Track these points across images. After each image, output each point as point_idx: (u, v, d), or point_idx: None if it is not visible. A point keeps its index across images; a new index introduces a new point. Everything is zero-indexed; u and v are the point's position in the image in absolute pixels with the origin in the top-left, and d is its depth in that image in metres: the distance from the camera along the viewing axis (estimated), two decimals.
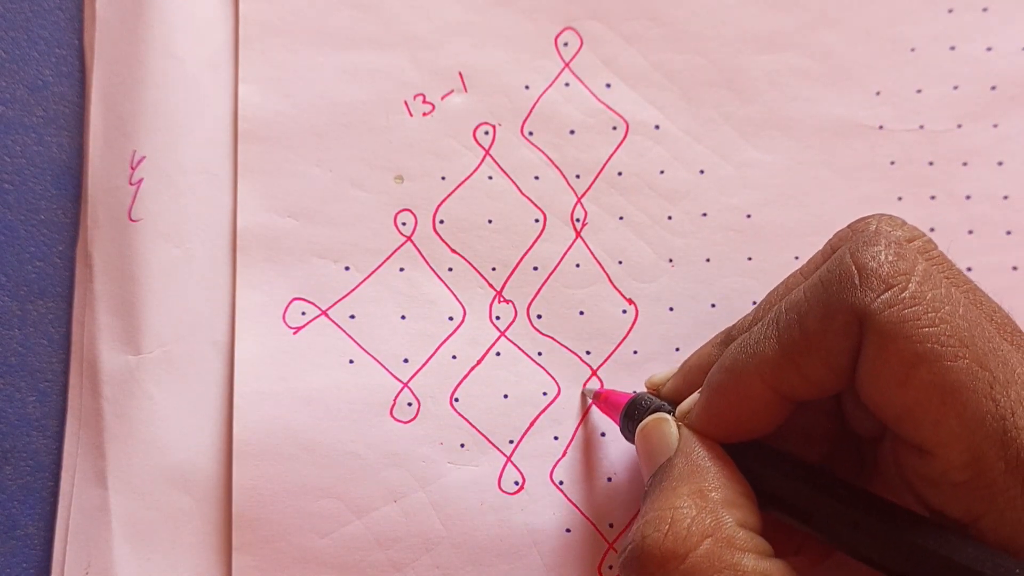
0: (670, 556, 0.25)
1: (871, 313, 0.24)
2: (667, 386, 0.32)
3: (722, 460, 0.28)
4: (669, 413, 0.30)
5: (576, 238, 0.36)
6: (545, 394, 0.35)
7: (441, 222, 0.36)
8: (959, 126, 0.36)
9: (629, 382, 0.35)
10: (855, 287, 0.24)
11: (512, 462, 0.35)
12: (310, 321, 0.36)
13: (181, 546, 0.35)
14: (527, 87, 0.37)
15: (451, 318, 0.36)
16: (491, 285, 0.36)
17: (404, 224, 0.36)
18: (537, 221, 0.36)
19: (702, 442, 0.28)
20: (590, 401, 0.35)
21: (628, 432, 0.32)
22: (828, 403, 0.30)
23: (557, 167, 0.36)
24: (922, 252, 0.26)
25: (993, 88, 0.36)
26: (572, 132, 0.37)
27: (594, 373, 0.35)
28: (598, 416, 0.35)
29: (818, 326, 0.25)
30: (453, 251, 0.36)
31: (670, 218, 0.36)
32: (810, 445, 0.30)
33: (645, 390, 0.33)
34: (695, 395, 0.29)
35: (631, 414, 0.31)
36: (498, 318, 0.36)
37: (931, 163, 0.36)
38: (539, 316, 0.36)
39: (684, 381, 0.31)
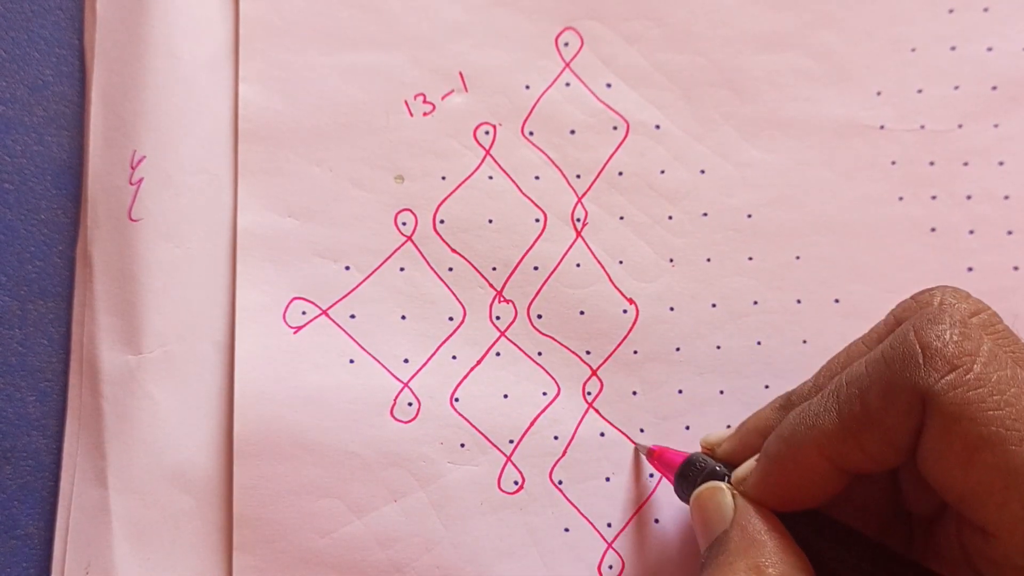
0: None
1: (935, 394, 0.24)
2: (722, 448, 0.32)
3: (778, 532, 0.27)
4: (725, 477, 0.30)
5: (576, 238, 0.36)
6: (545, 394, 0.35)
7: (441, 222, 0.36)
8: (960, 126, 0.36)
9: (629, 382, 0.35)
10: (919, 366, 0.24)
11: (512, 462, 0.35)
12: (310, 321, 0.36)
13: (181, 546, 0.35)
14: (527, 87, 0.37)
15: (451, 318, 0.36)
16: (491, 285, 0.36)
17: (404, 224, 0.36)
18: (537, 221, 0.36)
19: (758, 513, 0.28)
20: (643, 456, 0.35)
21: (682, 493, 0.32)
22: (884, 478, 0.29)
23: (557, 167, 0.36)
24: (986, 327, 0.26)
25: (994, 88, 0.36)
26: (572, 132, 0.37)
27: (594, 373, 0.35)
28: (596, 418, 0.35)
29: (880, 403, 0.25)
30: (453, 251, 0.36)
31: (670, 218, 0.36)
32: (865, 520, 0.30)
33: (699, 449, 0.33)
34: (751, 461, 0.29)
35: (686, 475, 0.31)
36: (498, 318, 0.36)
37: (932, 163, 0.36)
38: (539, 316, 0.36)
39: (741, 443, 0.31)
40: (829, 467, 0.26)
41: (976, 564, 0.26)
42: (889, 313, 0.28)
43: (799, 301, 0.36)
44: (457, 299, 0.36)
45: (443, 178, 0.36)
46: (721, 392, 0.35)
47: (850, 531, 0.28)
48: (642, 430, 0.35)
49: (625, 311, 0.36)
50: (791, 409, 0.29)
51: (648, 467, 0.35)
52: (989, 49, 0.36)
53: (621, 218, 0.36)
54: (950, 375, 0.24)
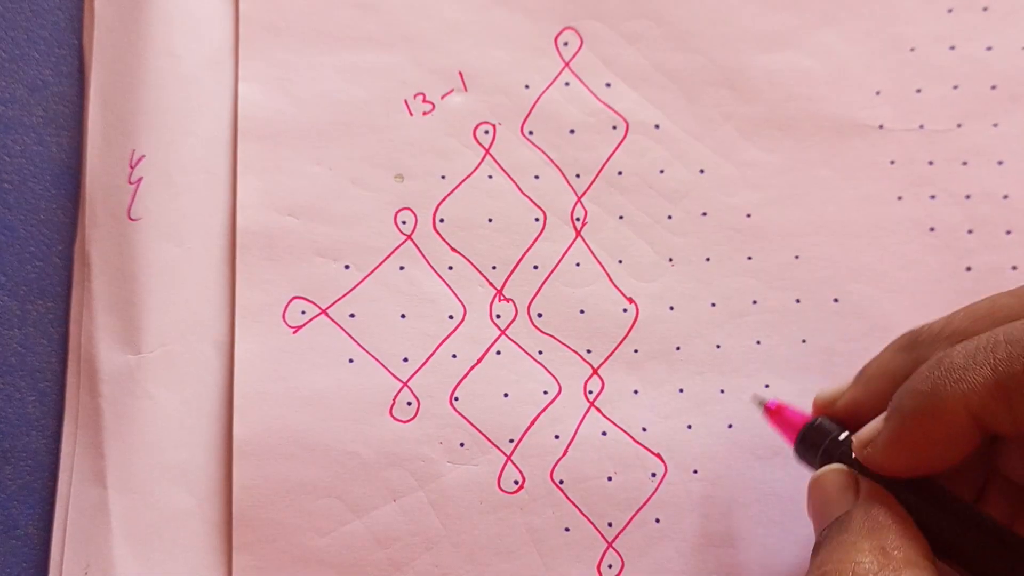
0: None
1: None
2: (844, 400, 0.30)
3: (903, 519, 0.26)
4: (847, 440, 0.29)
5: (576, 237, 0.36)
6: (546, 393, 0.35)
7: (441, 221, 0.36)
8: (959, 125, 0.36)
9: (630, 381, 0.35)
10: None
11: (512, 461, 0.35)
12: (310, 320, 0.36)
13: (181, 546, 0.35)
14: (527, 86, 0.37)
15: (451, 317, 0.36)
16: (491, 284, 0.36)
17: (404, 223, 0.36)
18: (537, 220, 0.36)
19: (883, 499, 0.27)
20: (761, 412, 0.33)
21: (804, 455, 0.30)
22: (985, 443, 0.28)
23: (557, 166, 0.36)
24: None
25: (993, 87, 0.36)
26: (572, 131, 0.37)
27: (595, 372, 0.35)
28: (598, 417, 0.35)
29: None
30: (453, 249, 0.36)
31: (670, 217, 0.36)
32: (959, 483, 0.29)
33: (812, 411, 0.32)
34: (875, 424, 0.28)
35: (809, 439, 0.30)
36: (498, 317, 0.36)
37: (931, 162, 0.36)
38: (539, 315, 0.36)
39: (865, 392, 0.29)
40: (971, 426, 0.25)
41: None
42: None
43: (798, 300, 0.36)
44: (457, 297, 0.36)
45: (443, 177, 0.36)
46: (722, 391, 0.35)
47: (965, 506, 0.27)
48: (644, 429, 0.35)
49: (625, 310, 0.36)
50: (918, 350, 0.28)
51: (650, 466, 0.35)
52: (988, 48, 0.36)
53: (621, 217, 0.36)
54: None
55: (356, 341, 0.35)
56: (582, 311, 0.36)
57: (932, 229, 0.35)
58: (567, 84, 0.37)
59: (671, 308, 0.36)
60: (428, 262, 0.36)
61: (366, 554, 0.34)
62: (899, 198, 0.36)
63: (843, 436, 0.29)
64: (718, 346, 0.35)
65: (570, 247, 0.36)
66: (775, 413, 0.32)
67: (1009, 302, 0.27)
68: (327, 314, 0.36)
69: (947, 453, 0.26)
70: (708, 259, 0.36)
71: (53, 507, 0.36)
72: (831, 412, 0.30)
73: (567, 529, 0.35)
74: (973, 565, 0.26)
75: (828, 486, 0.28)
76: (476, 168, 0.36)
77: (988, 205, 0.35)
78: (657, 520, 0.35)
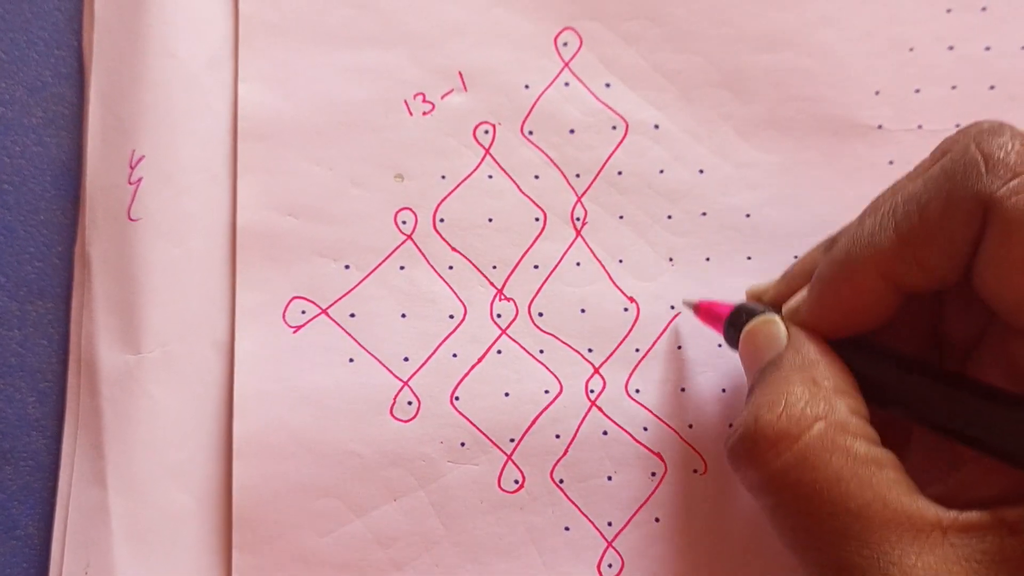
0: (783, 436, 0.26)
1: (997, 200, 0.24)
2: (769, 293, 0.32)
3: (831, 355, 0.28)
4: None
5: (576, 237, 0.36)
6: (547, 392, 0.35)
7: (441, 220, 0.36)
8: (957, 126, 0.36)
9: (632, 380, 0.35)
10: (981, 175, 0.24)
11: (512, 461, 0.35)
12: (310, 320, 0.36)
13: (181, 546, 0.35)
14: (527, 86, 0.37)
15: (452, 316, 0.36)
16: (492, 283, 0.36)
17: (404, 222, 0.36)
18: (537, 220, 0.36)
19: (810, 338, 0.28)
20: (690, 312, 0.35)
21: (732, 339, 0.32)
22: (927, 307, 0.30)
23: (557, 166, 0.37)
24: None
25: (992, 88, 0.36)
26: (572, 131, 0.37)
27: (596, 371, 0.35)
28: (599, 416, 0.35)
29: (940, 214, 0.25)
30: (454, 249, 0.36)
31: (670, 217, 0.36)
32: (903, 347, 0.30)
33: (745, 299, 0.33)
34: (802, 293, 0.29)
35: (735, 322, 0.31)
36: (499, 316, 0.36)
37: None
38: (540, 314, 0.36)
39: (788, 287, 0.31)
40: (885, 287, 0.27)
41: None
42: (935, 149, 0.28)
43: None
44: (458, 297, 0.36)
45: (443, 177, 0.36)
46: (723, 390, 0.35)
47: (898, 355, 0.28)
48: (645, 428, 0.35)
49: (626, 309, 0.36)
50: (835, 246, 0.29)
51: (650, 466, 0.35)
52: (987, 49, 0.36)
53: (621, 217, 0.36)
54: (1013, 181, 0.24)
55: (356, 341, 0.35)
56: (583, 310, 0.36)
57: None
58: (567, 84, 0.37)
59: (671, 307, 0.36)
60: (428, 262, 0.36)
61: (366, 554, 0.34)
62: None
63: (767, 311, 0.31)
64: (719, 345, 0.35)
65: (570, 247, 0.36)
66: (706, 310, 0.34)
67: (907, 184, 0.28)
68: (327, 314, 0.36)
69: (868, 313, 0.28)
70: (708, 259, 0.36)
71: (53, 507, 0.36)
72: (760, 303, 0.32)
73: (567, 528, 0.35)
74: (911, 407, 0.27)
75: (759, 334, 0.30)
76: (476, 168, 0.36)
77: None
78: (657, 519, 0.35)
